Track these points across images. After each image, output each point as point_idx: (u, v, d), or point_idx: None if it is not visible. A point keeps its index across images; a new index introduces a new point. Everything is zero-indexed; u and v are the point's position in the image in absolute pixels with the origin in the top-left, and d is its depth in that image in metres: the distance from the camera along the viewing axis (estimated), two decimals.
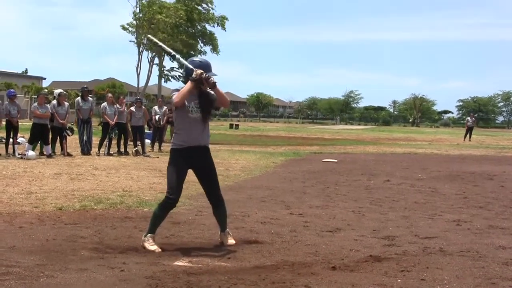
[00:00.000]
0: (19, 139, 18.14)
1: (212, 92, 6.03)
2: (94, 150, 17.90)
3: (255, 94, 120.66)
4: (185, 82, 6.07)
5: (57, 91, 19.41)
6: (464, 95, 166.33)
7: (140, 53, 49.63)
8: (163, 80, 58.33)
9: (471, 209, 9.03)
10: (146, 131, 20.38)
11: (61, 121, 17.03)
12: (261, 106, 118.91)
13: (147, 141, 19.93)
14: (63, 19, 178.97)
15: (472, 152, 24.91)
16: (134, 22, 50.75)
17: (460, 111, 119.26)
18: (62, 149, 17.16)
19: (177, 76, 58.93)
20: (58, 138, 17.21)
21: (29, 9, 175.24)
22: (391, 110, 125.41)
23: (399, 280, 4.95)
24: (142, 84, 52.70)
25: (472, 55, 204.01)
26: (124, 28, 52.87)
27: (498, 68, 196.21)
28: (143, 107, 19.76)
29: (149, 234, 6.02)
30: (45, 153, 16.41)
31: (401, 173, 14.61)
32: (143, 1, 49.47)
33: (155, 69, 55.97)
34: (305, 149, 24.13)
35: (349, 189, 11.28)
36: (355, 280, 4.95)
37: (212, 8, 54.28)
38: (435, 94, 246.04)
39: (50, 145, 16.56)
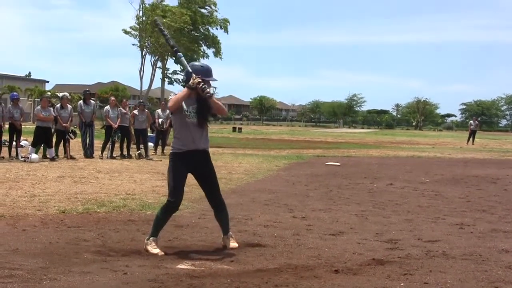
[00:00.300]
0: (22, 142, 18.17)
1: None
2: (97, 153, 17.92)
3: (258, 98, 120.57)
4: (184, 84, 6.08)
5: (62, 94, 19.47)
6: (467, 99, 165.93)
7: (143, 57, 49.79)
8: (166, 83, 58.38)
9: (474, 213, 9.01)
10: (149, 134, 20.41)
11: (64, 124, 17.07)
12: (264, 110, 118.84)
13: (150, 144, 19.95)
14: (66, 23, 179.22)
15: (475, 156, 24.88)
16: (137, 25, 50.87)
17: (463, 115, 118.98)
18: (65, 152, 17.18)
19: (180, 80, 59.11)
20: (62, 141, 17.25)
21: (32, 13, 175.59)
22: (394, 113, 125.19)
23: (402, 284, 4.95)
24: (145, 87, 52.84)
25: (475, 58, 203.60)
26: (126, 32, 52.99)
27: (502, 71, 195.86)
28: (146, 110, 19.78)
29: (151, 238, 6.02)
30: (48, 156, 16.43)
31: (404, 176, 14.60)
32: (146, 5, 49.59)
33: (158, 72, 56.05)
34: (308, 153, 24.12)
35: (352, 192, 11.28)
36: (358, 283, 4.94)
37: (216, 10, 54.33)
38: (438, 98, 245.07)
39: (53, 148, 16.59)
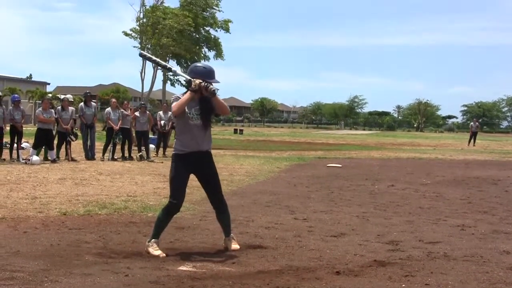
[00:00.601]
0: (24, 144, 18.20)
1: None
2: (99, 155, 17.93)
3: (259, 99, 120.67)
4: (186, 90, 6.08)
5: (63, 96, 19.51)
6: (468, 100, 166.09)
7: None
8: (168, 84, 58.44)
9: (475, 214, 9.01)
10: (150, 136, 20.41)
11: (65, 126, 17.08)
12: (266, 111, 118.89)
13: (152, 146, 19.96)
14: (67, 25, 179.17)
15: (476, 157, 24.88)
16: (138, 27, 50.91)
17: (464, 116, 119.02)
18: (66, 154, 17.19)
19: (181, 81, 59.16)
20: (63, 143, 17.27)
21: (33, 15, 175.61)
22: (396, 115, 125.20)
23: (403, 285, 4.95)
24: (146, 89, 52.87)
25: (476, 60, 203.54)
26: (126, 34, 53.03)
27: (503, 73, 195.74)
28: (147, 112, 19.79)
29: (153, 239, 6.02)
30: (49, 158, 16.44)
31: (406, 178, 14.60)
32: (147, 7, 49.62)
33: (160, 74, 56.11)
34: (310, 154, 24.13)
35: (354, 194, 11.28)
36: (359, 285, 4.94)
37: (219, 10, 54.34)
38: (440, 99, 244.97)
39: (54, 150, 16.60)
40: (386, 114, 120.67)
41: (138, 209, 8.75)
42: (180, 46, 50.45)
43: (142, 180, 12.54)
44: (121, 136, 18.29)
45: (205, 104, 6.00)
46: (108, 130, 18.45)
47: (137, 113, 19.21)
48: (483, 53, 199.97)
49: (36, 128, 17.41)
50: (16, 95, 18.22)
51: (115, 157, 17.98)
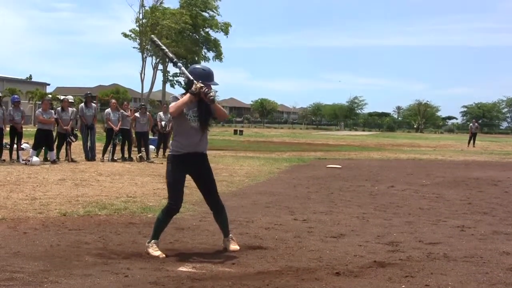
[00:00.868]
0: (23, 145, 18.18)
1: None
2: (98, 156, 17.92)
3: (259, 100, 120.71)
4: (185, 89, 6.07)
5: (65, 97, 19.52)
6: (468, 101, 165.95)
7: (144, 59, 49.83)
8: (167, 85, 58.51)
9: (475, 215, 9.01)
10: (150, 137, 20.42)
11: (65, 127, 17.07)
12: (265, 112, 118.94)
13: (152, 147, 19.96)
14: (67, 25, 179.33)
15: (476, 158, 24.88)
16: (137, 28, 50.94)
17: (464, 117, 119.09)
18: (66, 155, 17.19)
19: (182, 82, 59.21)
20: (63, 144, 17.27)
21: (33, 15, 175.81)
22: (395, 116, 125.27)
23: (403, 286, 4.95)
24: (146, 90, 52.88)
25: (476, 61, 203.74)
26: (125, 35, 53.05)
27: (503, 74, 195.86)
28: (147, 113, 19.79)
29: (153, 240, 6.03)
30: (49, 159, 16.43)
31: (405, 179, 14.60)
32: (147, 7, 49.65)
33: (159, 75, 56.16)
34: (309, 155, 24.13)
35: (353, 195, 11.28)
36: (359, 285, 4.94)
37: (218, 14, 54.43)
38: (439, 100, 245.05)
39: (54, 151, 16.60)
40: (386, 115, 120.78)
41: (138, 210, 8.75)
42: (179, 46, 50.51)
43: (142, 181, 12.54)
44: (121, 137, 18.29)
45: (204, 107, 5.98)
46: (108, 131, 18.44)
47: (137, 114, 19.22)
48: (483, 54, 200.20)
49: (36, 129, 17.40)
50: (16, 96, 18.21)
51: (115, 158, 17.98)
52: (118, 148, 18.39)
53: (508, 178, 15.33)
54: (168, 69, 56.88)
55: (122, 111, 18.68)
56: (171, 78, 58.33)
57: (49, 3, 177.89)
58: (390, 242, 6.77)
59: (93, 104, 18.88)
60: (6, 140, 17.05)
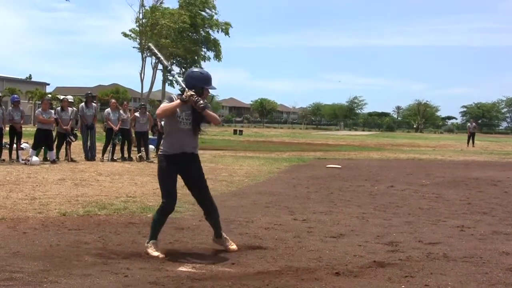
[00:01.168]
0: (23, 145, 18.17)
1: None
2: (98, 155, 17.91)
3: (259, 100, 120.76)
4: (181, 92, 6.05)
5: (65, 96, 19.53)
6: (467, 101, 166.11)
7: (143, 59, 49.79)
8: (167, 85, 58.44)
9: (475, 215, 9.01)
10: (150, 136, 20.40)
11: (65, 127, 17.06)
12: (265, 112, 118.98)
13: (151, 146, 19.94)
14: (67, 25, 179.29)
15: (476, 158, 24.88)
16: (137, 28, 50.90)
17: (464, 117, 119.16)
18: (66, 154, 17.19)
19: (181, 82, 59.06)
20: (62, 143, 17.26)
21: (33, 15, 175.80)
22: (395, 116, 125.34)
23: (402, 286, 4.95)
24: (146, 89, 52.85)
25: (476, 61, 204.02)
26: (125, 35, 53.02)
27: (502, 74, 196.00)
28: (147, 113, 19.79)
29: (151, 241, 6.03)
30: (49, 158, 16.43)
31: (405, 179, 14.60)
32: (146, 7, 49.62)
33: (159, 75, 56.12)
34: (309, 155, 24.12)
35: (353, 195, 11.27)
36: (359, 285, 4.94)
37: (216, 13, 54.40)
38: (439, 100, 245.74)
39: (54, 151, 16.59)
40: (385, 115, 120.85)
41: (138, 209, 8.74)
42: (179, 47, 50.48)
43: (141, 181, 12.53)
44: (120, 137, 18.28)
45: (197, 111, 5.98)
46: (107, 130, 18.43)
47: (137, 114, 19.21)
48: (483, 54, 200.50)
49: (35, 129, 17.39)
50: (15, 96, 18.19)
51: (115, 158, 17.97)
52: (118, 148, 18.38)
53: (507, 178, 15.33)
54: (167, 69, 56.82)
55: (121, 112, 18.66)
56: (170, 77, 58.26)
57: (49, 3, 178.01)
58: (390, 242, 6.77)
59: (94, 104, 18.87)
60: (6, 140, 17.04)
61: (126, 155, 18.47)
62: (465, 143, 39.06)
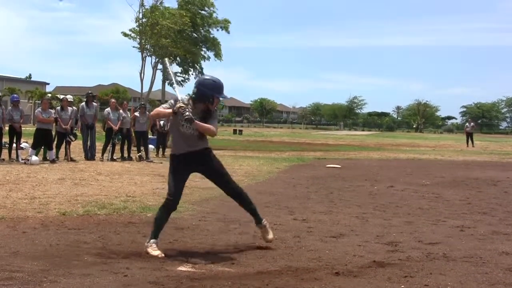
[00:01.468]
0: (23, 144, 18.18)
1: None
2: (98, 155, 17.91)
3: (258, 100, 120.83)
4: (195, 98, 6.05)
5: (65, 96, 19.53)
6: (467, 101, 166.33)
7: (143, 59, 49.68)
8: (166, 85, 58.36)
9: (474, 215, 9.01)
10: (150, 136, 20.40)
11: (64, 126, 17.06)
12: (265, 112, 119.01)
13: (151, 146, 19.95)
14: (66, 25, 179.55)
15: (475, 158, 24.88)
16: (137, 28, 50.82)
17: (463, 117, 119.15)
18: (65, 154, 17.18)
19: (181, 82, 59.13)
20: (62, 143, 17.26)
21: (33, 15, 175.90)
22: (395, 116, 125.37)
23: (402, 286, 4.94)
24: (145, 89, 52.74)
25: (476, 61, 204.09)
26: (125, 34, 52.94)
27: (502, 74, 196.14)
28: (147, 112, 19.78)
29: (152, 240, 6.02)
30: (48, 158, 16.43)
31: (405, 179, 14.60)
32: (146, 7, 49.53)
33: (159, 75, 56.02)
34: (309, 155, 24.12)
35: (353, 194, 11.27)
36: (359, 285, 4.94)
37: (215, 12, 54.31)
38: (439, 100, 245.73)
39: (53, 150, 16.59)
40: (385, 114, 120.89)
41: (137, 209, 8.74)
42: (179, 46, 50.43)
43: (141, 181, 12.53)
44: (120, 137, 18.27)
45: (199, 118, 6.01)
46: (107, 130, 18.43)
47: (136, 113, 19.21)
48: (483, 54, 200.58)
49: (35, 128, 17.39)
50: (15, 95, 18.19)
51: (115, 158, 17.97)
52: (117, 147, 18.38)
53: (507, 178, 15.33)
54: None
55: (121, 111, 18.65)
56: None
57: (48, 3, 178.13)
58: (390, 242, 6.77)
59: (94, 104, 18.86)
60: (5, 139, 17.04)
61: (125, 154, 18.47)
62: (464, 143, 39.04)
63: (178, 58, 54.74)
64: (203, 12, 54.09)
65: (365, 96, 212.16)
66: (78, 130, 18.61)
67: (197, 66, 56.19)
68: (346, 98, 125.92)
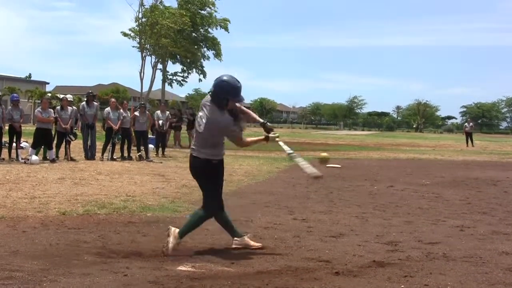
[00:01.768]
0: (23, 144, 18.17)
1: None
2: (98, 155, 17.90)
3: (258, 100, 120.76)
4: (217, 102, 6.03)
5: (65, 95, 19.52)
6: (467, 101, 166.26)
7: (143, 58, 49.75)
8: (166, 84, 58.45)
9: (474, 215, 9.01)
10: (150, 136, 20.39)
11: (64, 126, 17.06)
12: (265, 112, 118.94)
13: (151, 146, 19.93)
14: (66, 25, 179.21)
15: (475, 158, 24.88)
16: (136, 27, 50.84)
17: (463, 117, 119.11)
18: (65, 154, 17.18)
19: (180, 81, 59.18)
20: (62, 142, 17.25)
21: (33, 15, 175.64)
22: (395, 115, 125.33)
23: (402, 286, 4.95)
24: (145, 89, 52.82)
25: (476, 61, 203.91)
26: (125, 34, 52.96)
27: (502, 74, 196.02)
28: (147, 112, 19.78)
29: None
30: (48, 157, 16.42)
31: (405, 178, 14.60)
32: (146, 6, 49.54)
33: (159, 74, 56.08)
34: (309, 155, 24.09)
35: (353, 194, 11.28)
36: (358, 285, 4.94)
37: (215, 11, 54.34)
38: (439, 100, 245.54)
39: (53, 150, 16.58)
40: (385, 114, 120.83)
41: (137, 209, 8.74)
42: (179, 46, 50.46)
43: (141, 180, 12.52)
44: (120, 136, 18.26)
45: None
46: (107, 130, 18.41)
47: (136, 113, 19.19)
48: (483, 54, 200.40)
49: (35, 128, 17.38)
50: (15, 95, 18.18)
51: (114, 157, 17.96)
52: (117, 147, 18.37)
53: (507, 178, 15.33)
54: (167, 68, 56.87)
55: (121, 110, 18.65)
56: (170, 77, 58.31)
57: (48, 2, 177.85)
58: (389, 242, 6.77)
59: (95, 103, 18.84)
60: (5, 139, 17.03)
61: (125, 154, 18.47)
62: (464, 143, 39.03)
63: (177, 57, 54.85)
64: (203, 12, 54.14)
65: (365, 96, 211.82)
66: (78, 129, 18.58)
67: (198, 65, 56.20)
68: (346, 98, 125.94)
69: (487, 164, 21.14)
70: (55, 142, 17.05)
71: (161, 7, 50.34)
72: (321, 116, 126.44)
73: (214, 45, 55.70)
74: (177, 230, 5.99)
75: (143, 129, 19.04)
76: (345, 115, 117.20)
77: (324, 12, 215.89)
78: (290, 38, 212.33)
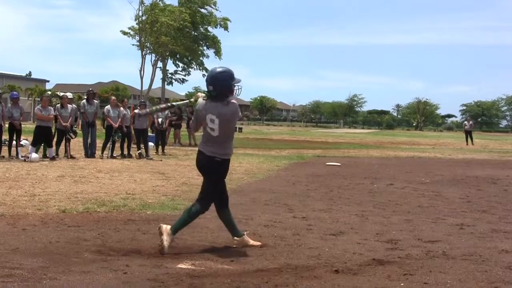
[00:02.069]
0: (22, 142, 18.15)
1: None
2: (98, 153, 17.90)
3: (258, 98, 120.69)
4: (214, 96, 6.09)
5: (64, 93, 19.51)
6: (467, 99, 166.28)
7: (143, 56, 49.75)
8: (166, 83, 58.47)
9: (474, 213, 9.01)
10: (150, 134, 20.38)
11: (64, 124, 17.05)
12: (265, 110, 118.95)
13: (151, 144, 19.92)
14: (67, 22, 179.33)
15: (475, 156, 24.89)
16: (137, 25, 50.85)
17: (463, 116, 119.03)
18: (65, 151, 17.18)
19: (180, 79, 59.20)
20: (62, 140, 17.25)
21: (33, 12, 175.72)
22: (395, 114, 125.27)
23: (402, 284, 4.95)
24: (145, 87, 52.81)
25: (476, 59, 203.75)
26: (124, 33, 52.98)
27: (502, 73, 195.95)
28: (147, 110, 19.74)
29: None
30: (48, 155, 16.41)
31: (405, 177, 14.60)
32: (146, 4, 49.55)
33: (159, 72, 56.10)
34: (309, 153, 24.10)
35: (353, 192, 11.28)
36: (358, 283, 4.94)
37: (216, 10, 54.35)
38: (439, 98, 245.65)
39: (53, 148, 16.58)
40: (385, 113, 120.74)
41: (137, 207, 8.74)
42: (179, 44, 50.45)
43: (141, 178, 12.52)
44: (120, 134, 18.26)
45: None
46: (107, 128, 18.41)
47: (136, 111, 19.18)
48: (483, 52, 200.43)
49: (35, 126, 17.38)
50: (15, 93, 18.17)
51: (114, 155, 17.96)
52: (117, 145, 18.37)
53: (507, 176, 15.34)
54: (167, 66, 56.89)
55: (121, 108, 18.64)
56: (170, 75, 58.32)
57: (48, 0, 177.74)
58: (389, 240, 6.77)
59: (95, 101, 18.83)
60: (5, 136, 17.02)
61: (125, 152, 18.47)
62: (464, 141, 39.04)
63: (177, 56, 54.86)
64: (203, 10, 54.15)
65: (365, 94, 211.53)
66: (78, 127, 18.58)
67: (198, 62, 56.16)
68: (346, 96, 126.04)
69: (487, 163, 21.15)
70: (55, 140, 17.05)
71: (161, 5, 50.36)
72: (321, 114, 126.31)
73: (214, 43, 55.73)
74: (169, 226, 6.01)
75: (143, 127, 19.03)
76: (345, 113, 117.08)
77: (324, 10, 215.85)
78: (290, 36, 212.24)
